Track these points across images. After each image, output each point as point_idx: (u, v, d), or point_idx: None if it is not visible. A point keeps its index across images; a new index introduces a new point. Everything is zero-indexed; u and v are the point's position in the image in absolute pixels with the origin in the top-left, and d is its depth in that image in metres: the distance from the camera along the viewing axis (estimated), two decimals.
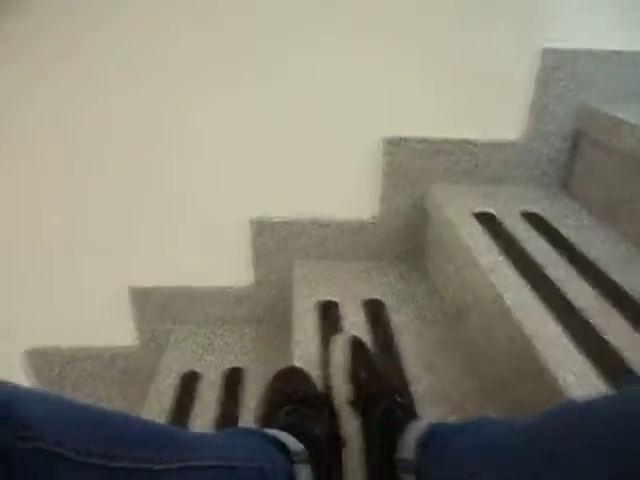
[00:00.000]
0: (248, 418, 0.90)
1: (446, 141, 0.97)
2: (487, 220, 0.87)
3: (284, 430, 0.57)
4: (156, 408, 0.93)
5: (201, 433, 0.51)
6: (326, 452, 0.58)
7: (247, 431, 0.58)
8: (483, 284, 0.71)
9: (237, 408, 0.93)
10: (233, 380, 1.00)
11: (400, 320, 0.90)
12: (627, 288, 0.67)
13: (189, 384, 0.99)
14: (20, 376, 1.19)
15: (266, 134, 0.96)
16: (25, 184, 0.99)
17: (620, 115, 0.85)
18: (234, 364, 1.04)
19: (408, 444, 0.54)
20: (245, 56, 0.89)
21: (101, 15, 0.85)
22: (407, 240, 1.07)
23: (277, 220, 1.04)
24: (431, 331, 0.87)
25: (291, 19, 0.87)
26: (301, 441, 0.55)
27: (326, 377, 0.70)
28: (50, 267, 1.08)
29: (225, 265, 1.10)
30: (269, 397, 0.67)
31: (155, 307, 1.13)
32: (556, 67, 0.91)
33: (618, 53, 0.90)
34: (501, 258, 0.74)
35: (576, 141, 0.98)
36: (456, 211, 0.90)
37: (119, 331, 1.16)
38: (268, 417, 0.64)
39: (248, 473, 0.47)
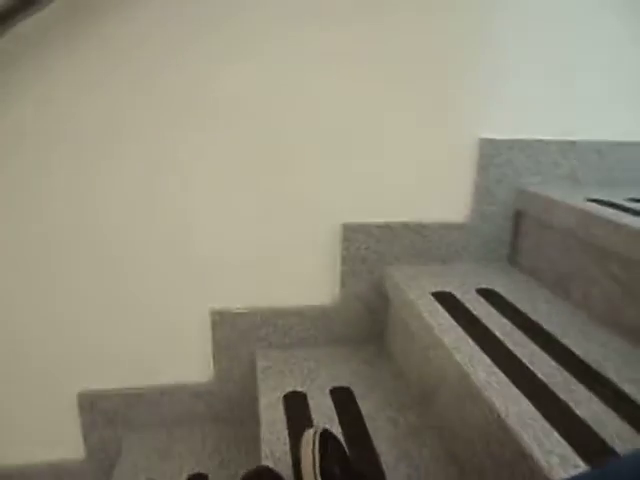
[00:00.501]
0: None
1: (401, 225, 1.01)
2: (445, 299, 0.90)
3: None
4: None
5: None
6: None
7: None
8: (449, 364, 0.71)
9: None
10: None
11: (369, 407, 0.88)
12: (589, 360, 0.69)
13: None
14: None
15: (223, 224, 0.97)
16: None
17: (553, 196, 0.92)
18: (196, 470, 0.96)
19: None
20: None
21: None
22: (369, 324, 1.07)
23: (238, 311, 1.02)
24: (402, 416, 0.85)
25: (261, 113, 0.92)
26: None
27: (298, 477, 0.66)
28: None
29: (182, 360, 1.05)
30: None
31: (105, 412, 1.04)
32: (493, 155, 1.00)
33: (546, 142, 1.00)
34: (464, 336, 0.76)
35: (518, 220, 1.05)
36: (415, 292, 0.91)
37: (64, 444, 1.05)
38: None
39: None
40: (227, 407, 1.08)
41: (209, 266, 0.99)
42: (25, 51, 0.82)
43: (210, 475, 0.95)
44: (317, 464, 0.62)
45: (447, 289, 0.93)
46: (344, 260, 1.02)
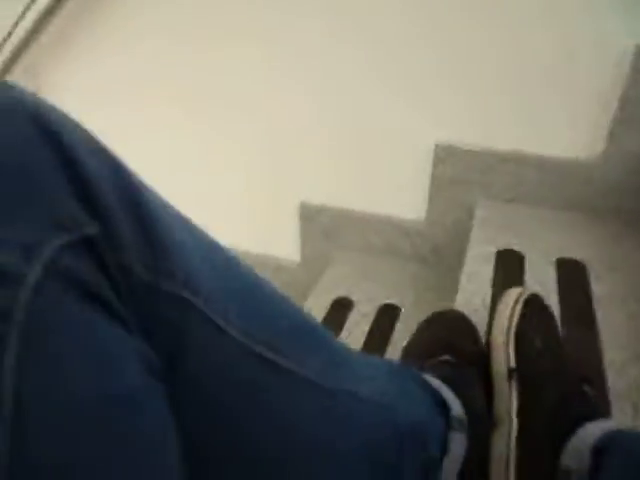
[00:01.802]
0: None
1: None
2: None
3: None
4: None
5: (361, 355, 0.40)
6: (484, 427, 0.45)
7: (407, 371, 0.46)
8: None
9: (385, 346, 0.85)
10: (387, 317, 0.92)
11: (606, 292, 0.69)
12: None
13: (341, 309, 0.95)
14: None
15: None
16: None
17: None
18: (390, 300, 0.96)
19: (579, 450, 0.39)
20: None
21: None
22: (632, 194, 0.82)
23: (467, 148, 0.88)
24: None
25: None
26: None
27: (487, 339, 0.56)
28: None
29: (398, 193, 1.00)
30: (425, 336, 0.56)
31: (322, 226, 1.09)
32: None
33: None
34: None
35: None
36: None
37: (285, 245, 1.16)
38: (420, 358, 0.52)
39: (407, 423, 0.38)
40: (433, 250, 1.02)
41: (441, 90, 0.85)
42: None
43: (403, 309, 0.93)
44: (514, 323, 0.50)
45: None
46: (624, 103, 0.75)
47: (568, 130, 0.81)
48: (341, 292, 0.99)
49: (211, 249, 0.28)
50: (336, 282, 1.02)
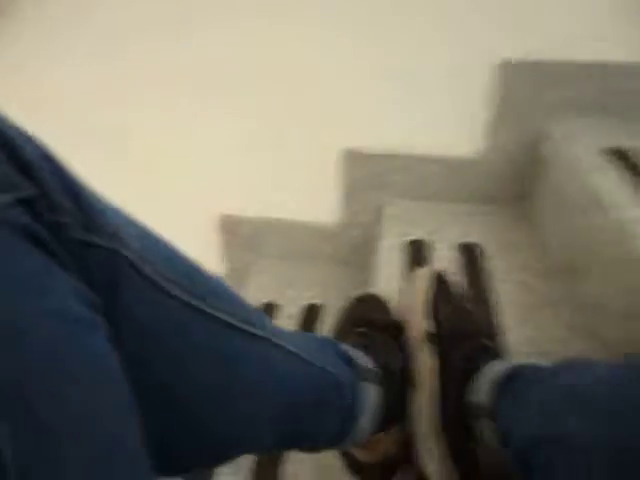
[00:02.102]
0: None
1: (577, 66, 0.81)
2: (622, 159, 0.72)
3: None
4: None
5: (279, 327, 0.44)
6: (398, 385, 0.51)
7: (319, 338, 0.52)
8: (610, 228, 0.58)
9: None
10: (312, 315, 0.96)
11: (499, 268, 0.79)
12: None
13: (268, 314, 0.97)
14: None
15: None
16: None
17: None
18: (315, 300, 1.00)
19: (482, 386, 0.45)
20: None
21: None
22: (516, 184, 0.93)
23: (372, 152, 0.95)
24: (536, 283, 0.75)
25: None
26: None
27: (403, 312, 0.62)
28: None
29: (314, 199, 1.05)
30: (342, 318, 0.61)
31: (243, 237, 1.12)
32: None
33: None
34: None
35: None
36: (582, 150, 0.75)
37: (207, 258, 1.17)
38: (339, 335, 0.58)
39: (323, 375, 0.43)
40: (352, 251, 1.08)
41: (347, 102, 0.92)
42: None
43: (327, 307, 0.98)
44: (429, 302, 0.57)
45: (626, 146, 0.74)
46: (495, 105, 0.86)
47: (462, 131, 0.91)
48: (267, 298, 1.01)
49: (131, 219, 0.32)
50: (261, 290, 1.05)
